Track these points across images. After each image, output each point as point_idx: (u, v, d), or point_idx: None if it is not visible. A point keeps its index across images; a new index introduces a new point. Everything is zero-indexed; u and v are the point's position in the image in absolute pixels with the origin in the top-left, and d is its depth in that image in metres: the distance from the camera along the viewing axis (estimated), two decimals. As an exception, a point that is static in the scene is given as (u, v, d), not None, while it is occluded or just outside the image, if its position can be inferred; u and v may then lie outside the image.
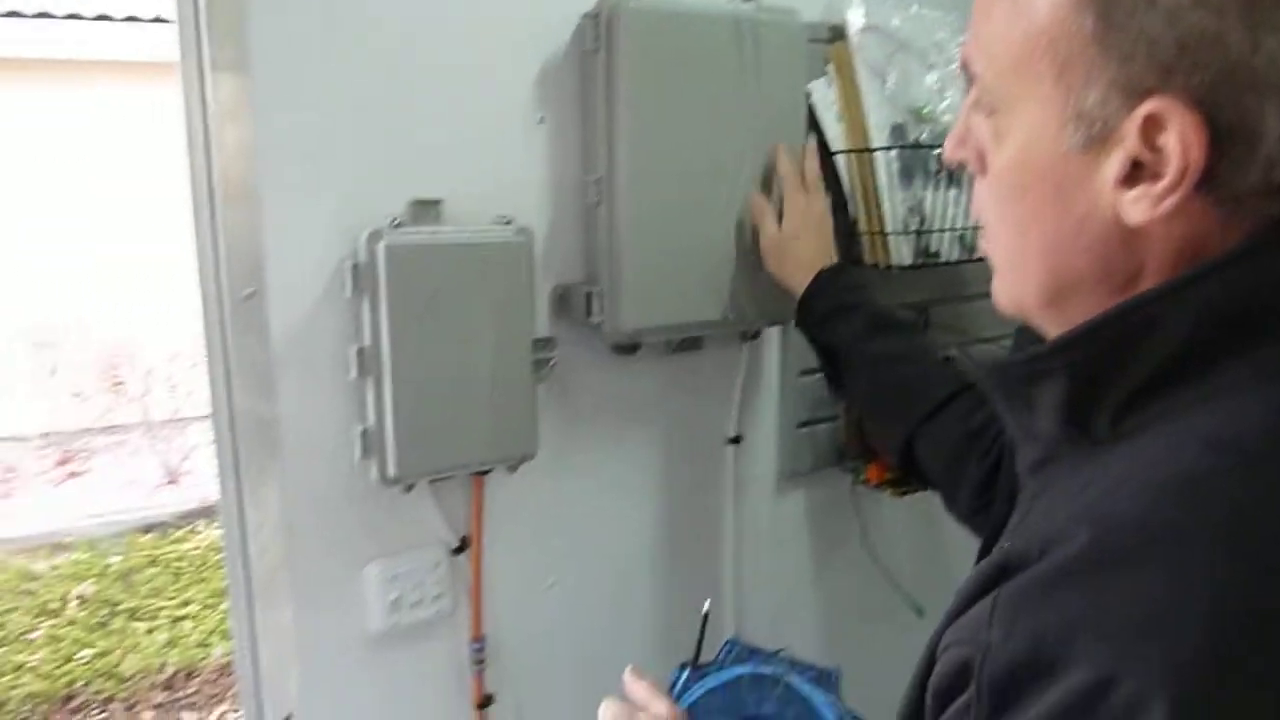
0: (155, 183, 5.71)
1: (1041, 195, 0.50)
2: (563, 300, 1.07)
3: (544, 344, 1.03)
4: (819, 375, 1.29)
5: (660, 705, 0.79)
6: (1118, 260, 0.49)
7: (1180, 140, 0.44)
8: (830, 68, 1.20)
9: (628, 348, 1.10)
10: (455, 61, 0.98)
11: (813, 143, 1.12)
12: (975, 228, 0.53)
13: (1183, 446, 0.45)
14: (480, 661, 1.08)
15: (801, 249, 1.06)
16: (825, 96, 1.19)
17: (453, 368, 0.94)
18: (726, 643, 0.88)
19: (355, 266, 0.91)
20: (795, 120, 1.13)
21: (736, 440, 1.26)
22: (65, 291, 5.67)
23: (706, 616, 0.85)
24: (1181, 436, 0.46)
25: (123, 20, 5.79)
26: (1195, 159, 0.44)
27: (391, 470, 0.92)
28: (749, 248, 1.09)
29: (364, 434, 0.94)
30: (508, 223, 0.98)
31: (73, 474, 5.51)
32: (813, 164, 1.11)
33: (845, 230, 1.22)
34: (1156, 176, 0.46)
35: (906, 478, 1.08)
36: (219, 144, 0.87)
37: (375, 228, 0.90)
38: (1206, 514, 0.42)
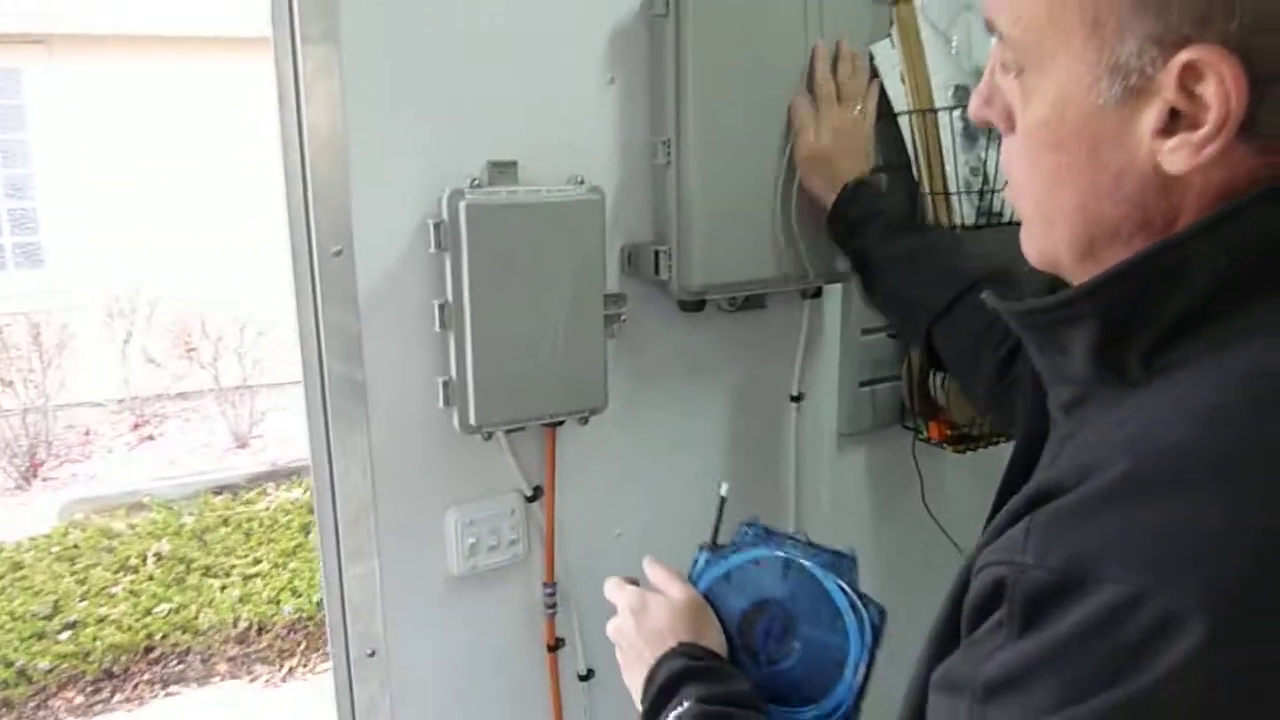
0: (228, 158, 5.87)
1: (1077, 151, 0.50)
2: (631, 258, 1.10)
3: (614, 300, 1.06)
4: (881, 334, 1.33)
5: (676, 589, 0.83)
6: (1156, 209, 0.49)
7: (1219, 88, 0.44)
8: (894, 29, 1.21)
9: (694, 305, 1.13)
10: (529, 27, 1.01)
11: (845, 48, 1.10)
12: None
13: (1221, 380, 0.46)
14: (552, 606, 1.13)
15: (834, 165, 1.07)
16: (889, 57, 1.20)
17: (529, 322, 0.98)
18: (743, 525, 0.88)
19: (438, 225, 0.95)
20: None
21: (799, 398, 1.28)
22: (140, 261, 5.86)
23: (724, 500, 0.88)
24: (1218, 372, 0.46)
25: None
26: (1236, 105, 0.44)
27: (472, 419, 0.97)
28: (810, 209, 1.11)
29: (445, 384, 0.99)
30: (580, 183, 1.02)
31: (147, 438, 5.73)
32: (845, 71, 1.10)
33: (909, 190, 1.23)
34: (1195, 125, 0.46)
35: (970, 436, 1.09)
36: (309, 111, 0.92)
37: (456, 187, 0.94)
38: (1253, 442, 0.42)
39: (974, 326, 0.94)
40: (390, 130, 0.96)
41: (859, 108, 1.10)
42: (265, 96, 0.95)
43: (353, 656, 1.04)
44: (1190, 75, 0.45)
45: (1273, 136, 0.45)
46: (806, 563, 0.83)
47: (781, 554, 0.84)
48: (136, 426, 5.85)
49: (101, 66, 5.90)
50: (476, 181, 0.97)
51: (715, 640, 0.81)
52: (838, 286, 1.27)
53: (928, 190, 1.21)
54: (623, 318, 1.08)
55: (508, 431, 1.06)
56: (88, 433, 5.78)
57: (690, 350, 1.19)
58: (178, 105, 5.95)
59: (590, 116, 1.06)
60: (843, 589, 0.81)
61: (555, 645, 1.15)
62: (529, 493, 1.10)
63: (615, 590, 0.87)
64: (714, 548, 0.87)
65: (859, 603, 0.81)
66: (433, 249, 0.96)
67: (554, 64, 1.03)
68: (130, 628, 3.52)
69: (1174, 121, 0.47)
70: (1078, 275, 0.55)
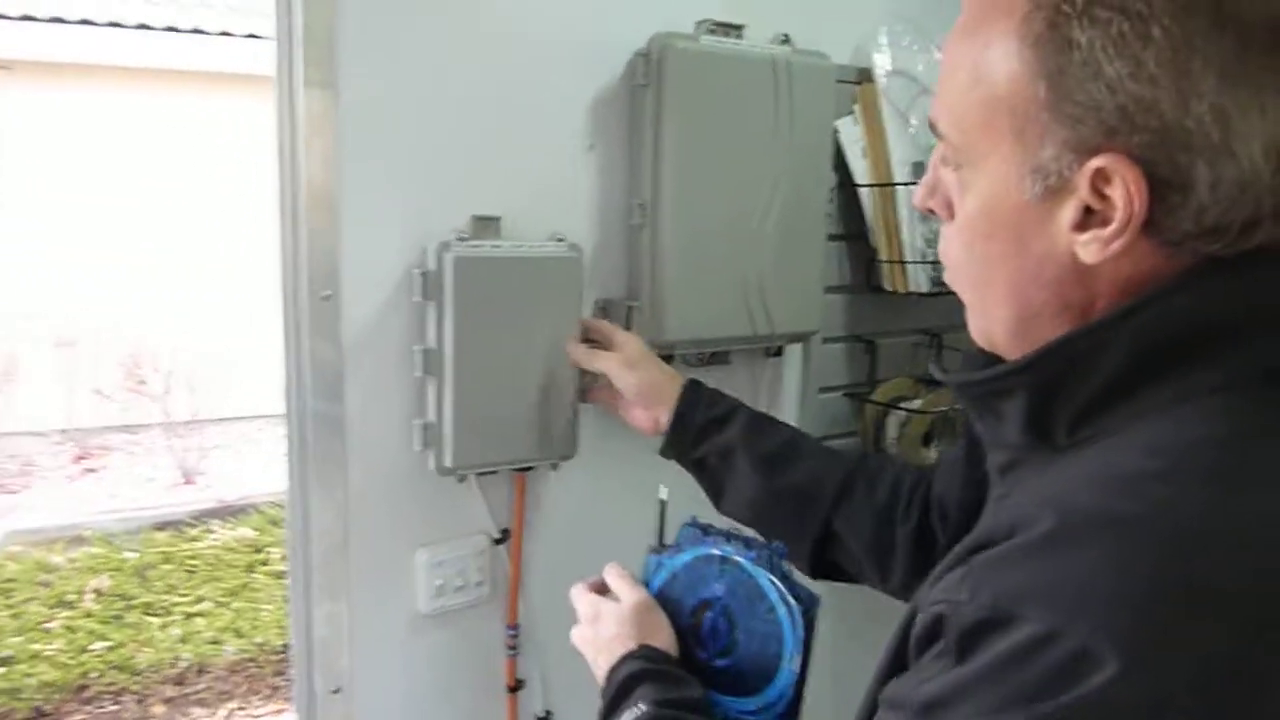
0: (197, 187, 5.85)
1: (1005, 239, 0.56)
2: (605, 312, 1.16)
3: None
4: (838, 393, 1.39)
5: (627, 593, 0.88)
6: (1073, 294, 0.55)
7: (1124, 191, 0.51)
8: (857, 107, 1.29)
9: (663, 358, 1.18)
10: (516, 91, 1.07)
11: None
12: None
13: (1128, 453, 0.52)
14: (513, 648, 1.16)
15: (648, 375, 1.04)
16: (851, 133, 1.28)
17: (507, 370, 1.03)
18: (684, 525, 0.92)
19: (424, 274, 1.00)
20: (823, 154, 1.22)
21: (758, 451, 1.33)
22: (92, 291, 5.77)
23: (664, 503, 0.92)
24: (1125, 444, 0.53)
25: (216, 34, 5.94)
26: (1138, 207, 0.51)
27: (448, 461, 1.01)
28: (774, 270, 1.17)
29: (425, 427, 1.03)
30: (560, 240, 1.07)
31: (90, 470, 5.60)
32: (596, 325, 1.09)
33: (866, 258, 1.31)
34: (1105, 221, 0.52)
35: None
36: (305, 154, 0.96)
37: (444, 239, 0.99)
38: (1142, 507, 0.49)
39: (873, 509, 0.93)
40: (382, 179, 1.00)
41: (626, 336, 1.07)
42: (233, 130, 0.98)
43: (317, 692, 1.05)
44: (1100, 179, 0.51)
45: (1172, 233, 0.52)
46: (739, 558, 0.87)
47: (717, 551, 0.88)
48: (79, 459, 5.71)
49: (65, 94, 5.86)
50: (462, 234, 1.02)
51: (666, 640, 0.85)
52: (798, 346, 1.34)
53: (885, 258, 1.28)
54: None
55: (479, 475, 1.09)
56: (27, 463, 5.63)
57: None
58: (143, 136, 5.93)
59: (571, 178, 1.12)
60: (773, 582, 0.85)
61: (515, 686, 1.17)
62: (497, 535, 1.13)
63: (577, 598, 0.92)
64: (660, 549, 0.91)
65: (788, 594, 0.85)
66: (417, 297, 1.00)
67: (539, 128, 1.09)
68: (65, 665, 3.42)
69: (1088, 218, 0.53)
70: (1012, 352, 0.61)
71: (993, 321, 0.61)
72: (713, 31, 1.13)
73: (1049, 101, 0.52)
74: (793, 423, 1.36)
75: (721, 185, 1.13)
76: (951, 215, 0.61)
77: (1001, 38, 0.54)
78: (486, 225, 1.05)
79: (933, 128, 0.60)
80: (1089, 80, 0.50)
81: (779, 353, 1.32)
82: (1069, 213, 0.53)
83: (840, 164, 1.28)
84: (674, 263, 1.11)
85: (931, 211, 0.63)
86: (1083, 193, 0.52)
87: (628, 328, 1.13)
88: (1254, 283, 0.53)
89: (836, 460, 0.98)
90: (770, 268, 1.17)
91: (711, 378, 1.26)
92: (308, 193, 0.96)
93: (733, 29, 1.14)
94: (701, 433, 1.01)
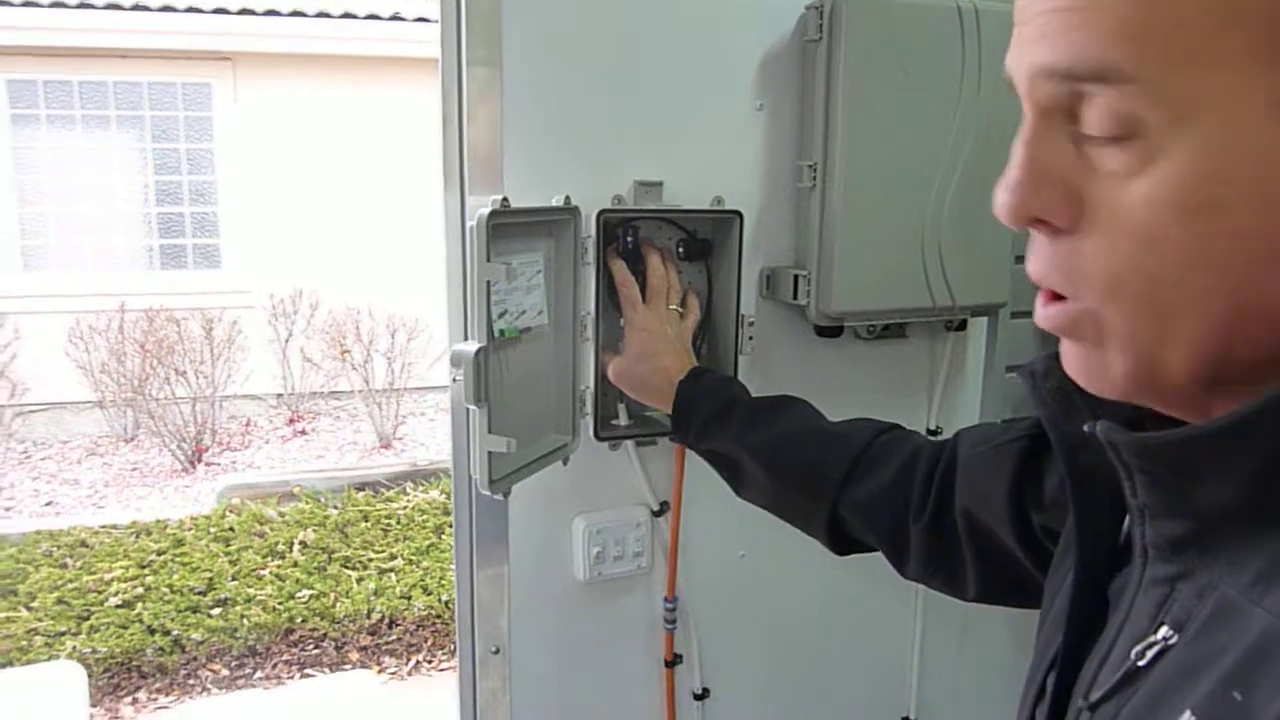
0: (394, 172, 6.21)
1: (1246, 208, 0.38)
2: (770, 281, 1.11)
3: (746, 322, 1.07)
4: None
5: None
6: None
7: None
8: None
9: (831, 330, 1.12)
10: (682, 51, 1.03)
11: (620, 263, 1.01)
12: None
13: None
14: (672, 621, 1.14)
15: (652, 369, 0.98)
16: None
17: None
18: None
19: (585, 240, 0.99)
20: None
21: (935, 433, 1.25)
22: (305, 266, 6.25)
23: None
24: None
25: (389, 19, 6.30)
26: None
27: (604, 428, 1.00)
28: (957, 237, 1.09)
29: (582, 390, 1.02)
30: (719, 203, 1.04)
31: (301, 432, 6.08)
32: (653, 265, 1.02)
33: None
34: None
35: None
36: (471, 128, 0.97)
37: (601, 207, 0.98)
38: None
39: (885, 489, 0.83)
40: (544, 150, 1.00)
41: (661, 307, 1.01)
42: (431, 115, 1.00)
43: (478, 653, 1.07)
44: None
45: None
46: None
47: None
48: (292, 421, 6.21)
49: (281, 83, 6.34)
50: (620, 200, 1.00)
51: None
52: (983, 320, 1.24)
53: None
54: (750, 337, 1.08)
55: (637, 445, 1.08)
56: (248, 424, 6.18)
57: (824, 376, 1.18)
58: (349, 121, 6.34)
59: (737, 140, 1.08)
60: None
61: (673, 661, 1.16)
62: (656, 507, 1.12)
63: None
64: None
65: None
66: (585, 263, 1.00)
67: (705, 90, 1.05)
68: (274, 609, 3.73)
69: None
70: (1187, 392, 0.43)
71: (1176, 349, 0.41)
72: (893, -21, 1.05)
73: None
74: (975, 403, 1.28)
75: (900, 145, 1.05)
76: (1073, 221, 0.42)
77: None
78: (648, 190, 1.02)
79: (1075, 77, 0.40)
80: None
81: (962, 326, 1.23)
82: None
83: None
84: (845, 228, 1.04)
85: (1040, 223, 0.43)
86: None
87: (794, 297, 1.07)
88: None
89: (842, 444, 0.88)
90: (953, 234, 1.08)
91: (885, 353, 1.20)
92: (472, 165, 0.97)
93: (916, -24, 1.06)
94: (703, 429, 0.94)
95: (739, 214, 1.03)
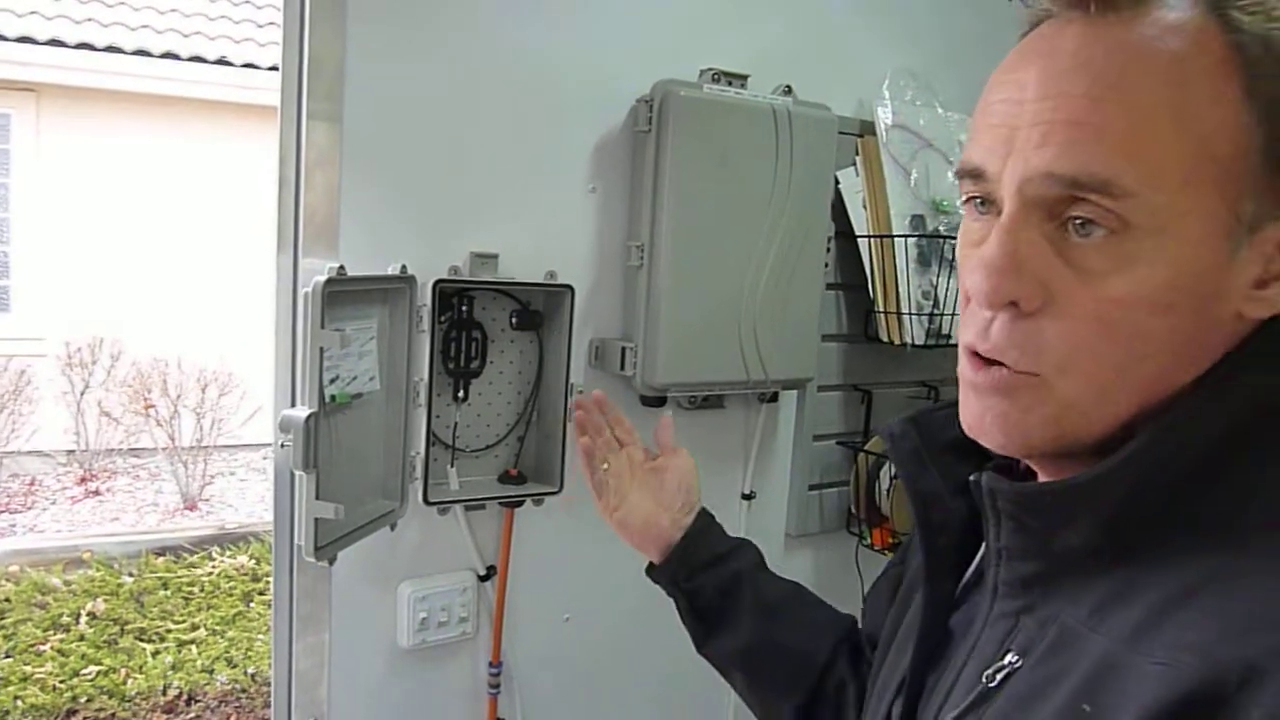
0: (205, 217, 5.92)
1: (1184, 311, 0.47)
2: (599, 352, 1.16)
3: (574, 390, 1.12)
4: (831, 442, 1.38)
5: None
6: (1204, 359, 0.48)
7: None
8: (859, 159, 1.31)
9: (655, 400, 1.19)
10: (523, 132, 1.09)
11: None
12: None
13: None
14: (495, 686, 1.15)
15: (649, 516, 0.94)
16: (853, 184, 1.30)
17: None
18: None
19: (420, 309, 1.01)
20: (823, 204, 1.23)
21: (750, 496, 1.33)
22: (106, 314, 5.83)
23: None
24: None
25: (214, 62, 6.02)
26: None
27: (433, 493, 1.01)
28: (771, 317, 1.18)
29: (412, 457, 1.03)
30: (552, 277, 1.08)
31: (93, 492, 5.61)
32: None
33: (864, 308, 1.31)
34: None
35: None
36: (309, 194, 0.97)
37: (438, 276, 1.00)
38: None
39: (840, 694, 0.83)
40: (383, 213, 1.02)
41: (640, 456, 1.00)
42: (249, 162, 1.00)
43: (294, 724, 1.04)
44: None
45: None
46: None
47: None
48: (84, 480, 5.72)
49: (88, 120, 5.97)
50: (456, 270, 1.03)
51: None
52: (793, 393, 1.34)
53: (881, 309, 1.29)
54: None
55: (466, 509, 1.09)
56: (33, 483, 5.65)
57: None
58: (171, 165, 6.02)
59: (571, 219, 1.13)
60: None
61: (496, 726, 1.16)
62: (483, 572, 1.13)
63: None
64: None
65: None
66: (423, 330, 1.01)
67: (542, 170, 1.11)
68: (54, 689, 3.40)
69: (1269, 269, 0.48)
70: (1053, 464, 0.53)
71: (1101, 422, 0.49)
72: (716, 80, 1.15)
73: (1264, 147, 0.45)
74: (785, 470, 1.37)
75: (720, 231, 1.14)
76: (1041, 305, 0.48)
77: (1204, 77, 0.45)
78: (484, 262, 1.06)
79: (1077, 185, 0.46)
80: None
81: (774, 399, 1.33)
82: (1253, 269, 0.47)
83: (840, 214, 1.29)
84: (670, 305, 1.12)
85: (1011, 305, 0.49)
86: (1270, 247, 0.47)
87: (621, 368, 1.13)
88: None
89: (835, 622, 0.87)
90: (766, 314, 1.17)
91: (704, 421, 1.27)
92: (308, 225, 0.97)
93: (736, 79, 1.16)
94: (708, 565, 0.89)
95: (570, 288, 1.08)
